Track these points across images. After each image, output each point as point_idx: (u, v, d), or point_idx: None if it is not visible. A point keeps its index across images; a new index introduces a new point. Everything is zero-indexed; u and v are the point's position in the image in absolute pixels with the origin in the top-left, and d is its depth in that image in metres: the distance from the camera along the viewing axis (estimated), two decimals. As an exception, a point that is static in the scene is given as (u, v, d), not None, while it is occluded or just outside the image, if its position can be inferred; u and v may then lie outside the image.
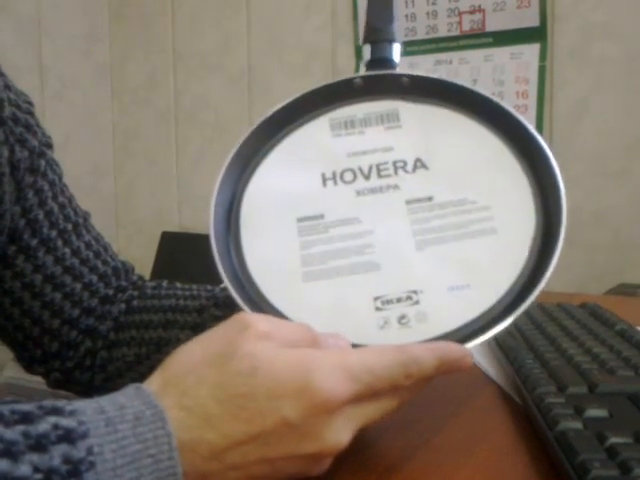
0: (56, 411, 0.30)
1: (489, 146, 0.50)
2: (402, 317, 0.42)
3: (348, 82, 0.53)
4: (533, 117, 1.56)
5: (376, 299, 0.43)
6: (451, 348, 0.38)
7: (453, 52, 1.66)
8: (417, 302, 0.43)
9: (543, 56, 1.55)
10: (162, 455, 0.30)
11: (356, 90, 0.53)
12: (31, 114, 0.58)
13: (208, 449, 0.31)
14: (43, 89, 2.07)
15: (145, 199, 2.31)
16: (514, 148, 0.49)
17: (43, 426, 0.29)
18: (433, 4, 1.67)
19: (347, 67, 1.82)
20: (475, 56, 1.63)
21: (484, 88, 1.71)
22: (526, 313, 0.69)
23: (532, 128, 0.49)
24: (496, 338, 0.62)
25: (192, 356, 0.34)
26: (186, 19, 2.16)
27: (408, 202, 0.47)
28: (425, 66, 1.69)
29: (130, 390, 0.32)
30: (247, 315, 0.36)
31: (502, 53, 1.60)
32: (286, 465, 0.33)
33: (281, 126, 0.51)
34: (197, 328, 0.57)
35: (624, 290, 1.32)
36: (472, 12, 1.63)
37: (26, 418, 0.29)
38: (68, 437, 0.28)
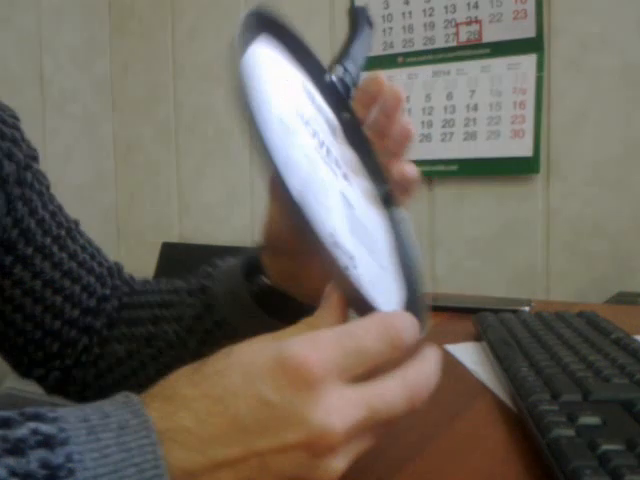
0: (37, 417, 0.29)
1: None
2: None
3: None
4: (531, 127, 1.56)
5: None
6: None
7: (451, 63, 1.67)
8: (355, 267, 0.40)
9: (540, 67, 1.56)
10: (146, 464, 0.29)
11: None
12: (17, 128, 0.60)
13: (187, 438, 0.30)
14: (44, 102, 2.08)
15: (146, 210, 2.31)
16: None
17: (22, 431, 0.28)
18: (430, 15, 1.68)
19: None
20: (472, 67, 1.64)
21: (482, 98, 1.72)
22: (522, 322, 0.69)
23: None
24: (492, 345, 0.62)
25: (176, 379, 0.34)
26: (186, 32, 2.17)
27: None
28: (423, 77, 1.70)
29: (119, 398, 0.32)
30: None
31: (499, 64, 1.61)
32: (278, 461, 0.30)
33: None
34: (180, 320, 0.58)
35: (623, 299, 1.32)
36: (469, 23, 1.64)
37: (5, 423, 0.29)
38: (47, 443, 0.28)
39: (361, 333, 0.33)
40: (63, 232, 0.61)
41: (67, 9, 2.14)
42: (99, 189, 2.30)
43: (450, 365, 0.63)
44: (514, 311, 0.76)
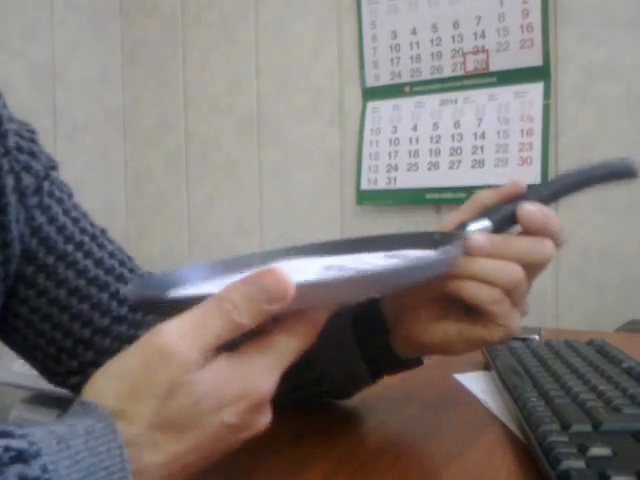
0: (6, 434, 0.30)
1: None
2: None
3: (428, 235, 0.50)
4: (539, 155, 1.57)
5: None
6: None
7: (458, 92, 1.68)
8: None
9: (547, 94, 1.57)
10: (115, 467, 0.31)
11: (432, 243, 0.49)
12: (34, 141, 0.60)
13: (158, 470, 0.33)
14: (56, 132, 2.11)
15: (156, 240, 2.32)
16: None
17: None
18: (437, 45, 1.70)
19: (354, 109, 1.85)
20: (479, 95, 1.65)
21: (489, 126, 1.72)
22: (532, 350, 0.68)
23: None
24: (501, 375, 0.61)
25: (116, 388, 0.33)
26: (196, 63, 2.20)
27: None
28: (431, 106, 1.72)
29: (76, 407, 0.33)
30: (163, 343, 0.34)
31: (506, 92, 1.62)
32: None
33: None
34: None
35: (634, 327, 1.31)
36: (476, 52, 1.65)
37: None
38: (21, 457, 0.29)
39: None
40: (87, 239, 0.59)
41: (80, 42, 2.18)
42: (110, 219, 2.32)
43: (459, 394, 0.62)
44: (524, 339, 0.76)
